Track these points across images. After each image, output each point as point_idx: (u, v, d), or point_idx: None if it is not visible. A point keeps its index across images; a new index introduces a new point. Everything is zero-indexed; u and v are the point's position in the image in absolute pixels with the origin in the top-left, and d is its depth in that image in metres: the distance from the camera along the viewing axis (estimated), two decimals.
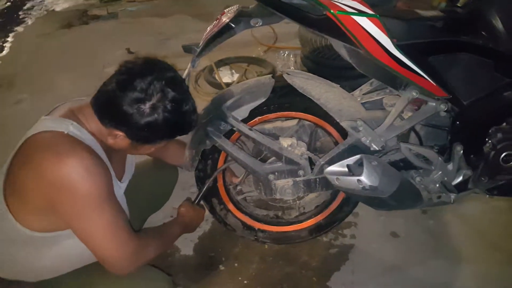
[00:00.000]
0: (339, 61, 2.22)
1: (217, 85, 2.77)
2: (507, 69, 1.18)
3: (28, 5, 5.12)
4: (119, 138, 1.06)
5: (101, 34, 4.09)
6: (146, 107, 0.99)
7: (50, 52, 3.67)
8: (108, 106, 1.02)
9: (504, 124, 1.32)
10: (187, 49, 1.24)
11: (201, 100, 2.67)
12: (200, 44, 1.22)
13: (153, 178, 1.50)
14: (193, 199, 1.43)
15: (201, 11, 4.41)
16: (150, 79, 1.00)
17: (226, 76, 2.90)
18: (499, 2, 1.18)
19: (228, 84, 2.75)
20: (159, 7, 4.72)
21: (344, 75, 1.97)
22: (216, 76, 2.76)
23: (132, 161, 1.35)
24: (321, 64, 2.40)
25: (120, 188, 1.21)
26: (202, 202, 1.46)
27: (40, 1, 5.23)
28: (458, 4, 1.23)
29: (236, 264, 1.57)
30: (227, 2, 5.07)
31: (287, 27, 3.52)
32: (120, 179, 1.23)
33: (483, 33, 1.16)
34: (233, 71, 3.01)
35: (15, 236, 1.06)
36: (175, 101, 1.03)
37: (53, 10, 4.91)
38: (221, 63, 2.99)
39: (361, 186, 1.21)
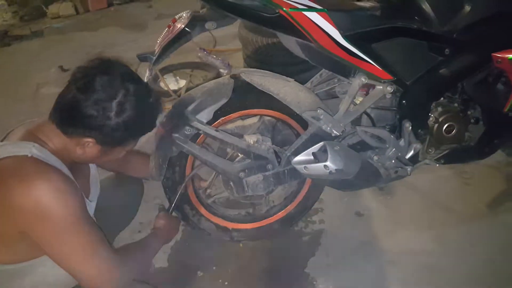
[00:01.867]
0: (282, 58, 2.34)
1: (163, 93, 2.73)
2: (439, 49, 1.31)
3: None
4: (88, 147, 1.03)
5: (28, 54, 3.85)
6: (113, 106, 0.98)
7: None
8: (73, 114, 0.98)
9: (442, 99, 1.47)
10: (143, 58, 1.24)
11: None
12: (156, 52, 1.21)
13: (119, 194, 1.46)
14: (166, 209, 1.42)
15: (132, 22, 4.34)
16: (108, 78, 0.98)
17: (171, 83, 2.87)
18: None
19: (175, 91, 2.73)
20: (87, 21, 4.55)
21: (287, 71, 2.06)
22: (162, 84, 2.72)
23: (97, 179, 1.31)
24: (264, 62, 2.46)
25: (90, 207, 1.17)
26: (174, 212, 1.45)
27: None
28: None
29: (214, 268, 1.57)
30: (158, 11, 5.04)
31: (224, 30, 3.59)
32: (87, 198, 1.19)
33: (416, 17, 1.28)
34: (178, 77, 2.99)
35: None
36: (139, 95, 1.02)
37: None
38: (164, 70, 2.95)
39: (327, 170, 1.28)
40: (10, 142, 0.99)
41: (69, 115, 0.99)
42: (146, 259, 1.22)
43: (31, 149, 0.97)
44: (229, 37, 3.52)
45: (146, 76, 1.25)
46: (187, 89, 2.68)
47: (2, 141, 1.03)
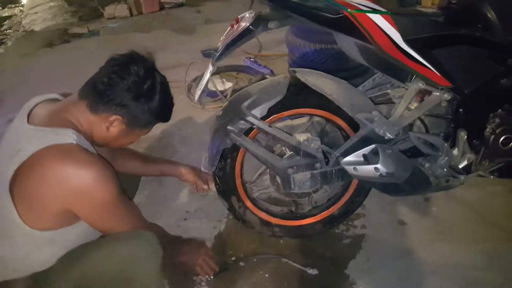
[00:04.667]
0: (328, 65, 2.37)
1: (210, 93, 2.82)
2: (501, 58, 1.30)
3: (5, 26, 5.05)
4: (113, 125, 1.13)
5: (85, 51, 4.08)
6: (144, 89, 1.12)
7: (36, 71, 3.63)
8: (106, 92, 1.10)
9: (500, 110, 1.44)
10: (206, 54, 1.30)
11: (196, 109, 2.72)
12: (219, 48, 1.27)
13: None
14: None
15: (181, 26, 4.50)
16: (140, 66, 1.12)
17: (218, 84, 2.95)
18: None
19: (222, 92, 2.81)
20: (140, 23, 4.76)
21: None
22: (210, 84, 2.81)
23: None
24: (310, 68, 2.49)
25: None
26: (221, 201, 1.52)
27: (17, 22, 5.16)
28: (453, 1, 1.34)
29: (255, 260, 1.61)
30: (206, 16, 5.21)
31: (269, 36, 3.66)
32: None
33: (478, 25, 1.27)
34: (224, 79, 3.07)
35: (19, 236, 1.09)
36: (164, 84, 1.19)
37: (32, 30, 4.86)
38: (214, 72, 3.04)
39: (378, 173, 1.30)
40: (49, 129, 1.07)
41: (102, 93, 1.10)
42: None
43: (73, 136, 1.07)
44: (274, 42, 3.59)
45: (209, 71, 1.31)
46: (233, 91, 2.75)
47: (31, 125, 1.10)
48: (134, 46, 4.08)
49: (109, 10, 4.95)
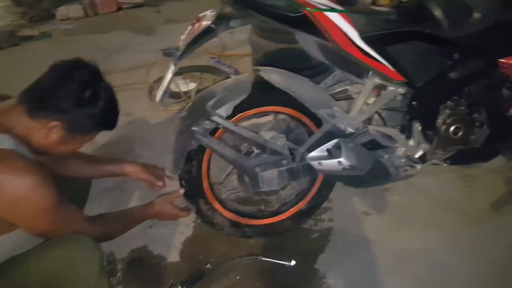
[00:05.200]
0: (291, 63, 2.40)
1: (174, 94, 2.79)
2: (449, 53, 1.38)
3: None
4: (52, 131, 1.10)
5: (36, 54, 3.90)
6: (87, 95, 1.11)
7: None
8: (46, 98, 1.08)
9: (450, 102, 1.53)
10: (167, 53, 1.29)
11: (159, 111, 2.67)
12: (180, 48, 1.27)
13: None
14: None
15: (141, 26, 4.40)
16: (83, 72, 1.12)
17: (181, 85, 2.92)
18: None
19: (185, 93, 2.79)
20: (96, 23, 4.63)
21: None
22: (174, 86, 2.78)
23: None
24: (274, 67, 2.53)
25: None
26: (188, 204, 1.50)
27: None
28: (404, 0, 1.41)
29: (226, 263, 1.60)
30: (166, 16, 5.13)
31: (233, 36, 3.67)
32: None
33: (428, 22, 1.34)
34: (187, 80, 3.05)
35: None
36: (109, 92, 1.19)
37: None
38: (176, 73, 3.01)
39: (341, 167, 1.34)
40: None
41: (42, 99, 1.08)
42: (122, 227, 1.35)
43: (9, 142, 1.04)
44: (237, 42, 3.60)
45: (170, 71, 1.30)
46: (197, 91, 2.73)
47: None
48: (90, 47, 3.99)
49: (62, 11, 4.77)
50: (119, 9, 4.92)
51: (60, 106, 1.08)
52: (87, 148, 2.26)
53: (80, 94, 1.10)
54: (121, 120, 2.62)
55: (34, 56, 3.86)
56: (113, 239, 1.32)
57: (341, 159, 1.33)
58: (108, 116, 1.21)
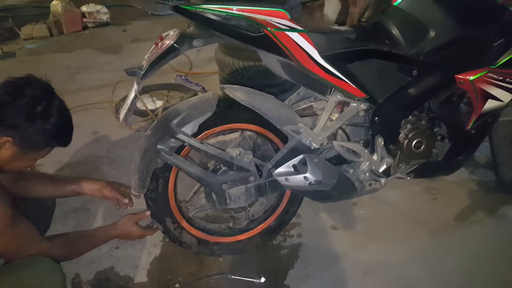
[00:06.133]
0: (257, 81, 2.44)
1: (141, 112, 2.76)
2: (407, 70, 1.44)
3: None
4: (4, 147, 1.11)
5: (0, 74, 3.76)
6: (38, 111, 1.12)
7: None
8: None
9: (411, 117, 1.59)
10: (131, 72, 1.28)
11: (125, 130, 2.63)
12: (144, 67, 1.26)
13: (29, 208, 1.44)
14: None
15: (107, 45, 4.36)
16: (35, 88, 1.14)
17: (148, 103, 2.89)
18: (393, 14, 1.45)
19: (152, 111, 2.76)
20: (61, 43, 4.54)
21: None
22: (140, 104, 2.75)
23: None
24: (241, 84, 2.55)
25: None
26: (155, 224, 1.48)
27: None
28: (363, 19, 1.47)
29: (195, 282, 1.57)
30: (132, 36, 5.11)
31: (200, 54, 3.69)
32: None
33: (386, 41, 1.40)
34: (154, 98, 3.03)
35: None
36: (61, 108, 1.20)
37: None
38: (141, 91, 2.98)
39: (307, 182, 1.35)
40: None
41: None
42: (83, 246, 1.36)
43: None
44: (204, 60, 3.62)
45: (134, 90, 1.29)
46: (164, 109, 2.71)
47: None
48: (55, 66, 3.91)
49: (26, 31, 4.65)
50: (85, 28, 4.85)
51: (10, 121, 1.09)
52: (52, 167, 2.28)
53: (31, 110, 1.11)
54: (87, 138, 2.63)
55: None
56: (74, 259, 1.31)
57: (307, 175, 1.34)
58: (61, 132, 1.22)
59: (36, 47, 4.42)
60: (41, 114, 1.13)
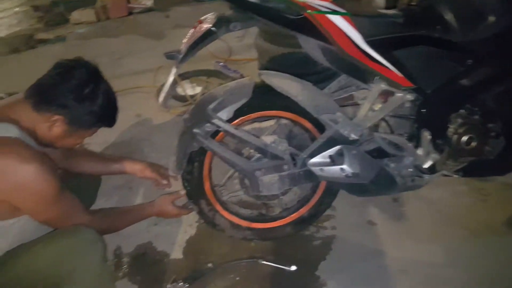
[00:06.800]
0: (297, 68, 2.37)
1: (181, 97, 2.79)
2: (460, 58, 1.32)
3: None
4: (55, 125, 1.17)
5: (51, 57, 3.90)
6: (87, 92, 1.17)
7: (2, 78, 3.52)
8: (51, 93, 1.15)
9: (462, 110, 1.46)
10: (170, 56, 1.28)
11: (167, 114, 2.67)
12: (182, 50, 1.25)
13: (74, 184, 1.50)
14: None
15: (150, 31, 4.44)
16: (85, 70, 1.19)
17: (187, 89, 2.93)
18: None
19: (192, 97, 2.78)
20: (107, 28, 4.67)
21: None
22: (180, 89, 2.78)
23: None
24: (279, 71, 2.50)
25: None
26: (190, 205, 1.51)
27: None
28: (413, 2, 1.36)
29: (227, 264, 1.59)
30: (175, 21, 5.16)
31: (239, 41, 3.65)
32: None
33: (437, 26, 1.29)
34: (194, 84, 3.05)
35: None
36: (107, 90, 1.25)
37: None
38: (181, 77, 3.02)
39: (344, 174, 1.30)
40: None
41: (47, 94, 1.15)
42: (122, 222, 1.40)
43: (16, 131, 1.10)
44: (244, 47, 3.59)
45: (173, 73, 1.29)
46: (203, 95, 2.72)
47: None
48: (101, 51, 4.05)
49: (75, 16, 4.83)
50: (130, 13, 4.96)
51: (61, 101, 1.15)
52: (98, 146, 2.38)
53: (80, 91, 1.16)
54: (131, 121, 2.71)
55: (48, 58, 3.89)
56: (114, 232, 1.36)
57: (344, 166, 1.29)
58: (106, 113, 1.26)
59: (85, 32, 4.58)
60: (88, 95, 1.18)
